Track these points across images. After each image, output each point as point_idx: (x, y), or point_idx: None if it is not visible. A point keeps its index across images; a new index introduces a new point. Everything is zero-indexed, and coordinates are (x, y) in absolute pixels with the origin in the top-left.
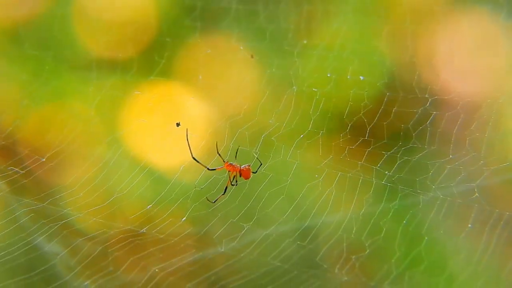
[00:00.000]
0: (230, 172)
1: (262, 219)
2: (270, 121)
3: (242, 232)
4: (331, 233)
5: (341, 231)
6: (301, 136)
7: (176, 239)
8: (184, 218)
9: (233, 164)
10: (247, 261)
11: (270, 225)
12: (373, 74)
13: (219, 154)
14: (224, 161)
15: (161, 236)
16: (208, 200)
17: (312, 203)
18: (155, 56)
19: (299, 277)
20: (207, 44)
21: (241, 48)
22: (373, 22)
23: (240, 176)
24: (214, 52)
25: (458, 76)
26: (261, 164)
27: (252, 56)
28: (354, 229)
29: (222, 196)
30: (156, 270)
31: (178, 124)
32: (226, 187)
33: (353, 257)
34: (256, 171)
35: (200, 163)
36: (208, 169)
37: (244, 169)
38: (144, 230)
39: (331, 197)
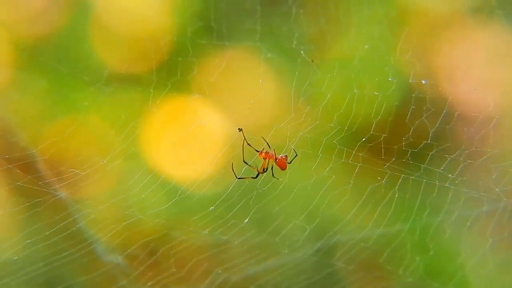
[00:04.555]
0: (265, 160)
1: (324, 220)
2: (331, 125)
3: (305, 233)
4: (395, 234)
5: (405, 233)
6: (364, 139)
7: (239, 240)
8: (247, 220)
9: (269, 152)
10: (311, 263)
11: (333, 227)
12: (435, 78)
13: (248, 144)
14: (258, 151)
15: (224, 238)
16: (235, 177)
17: (375, 205)
18: (173, 69)
19: (363, 278)
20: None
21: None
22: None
23: (276, 165)
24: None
25: None
26: (297, 155)
27: (312, 61)
28: (418, 230)
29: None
30: (219, 271)
31: (240, 130)
32: (258, 173)
33: (417, 258)
34: (291, 161)
35: (249, 165)
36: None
37: (281, 158)
38: (206, 231)
39: (394, 199)
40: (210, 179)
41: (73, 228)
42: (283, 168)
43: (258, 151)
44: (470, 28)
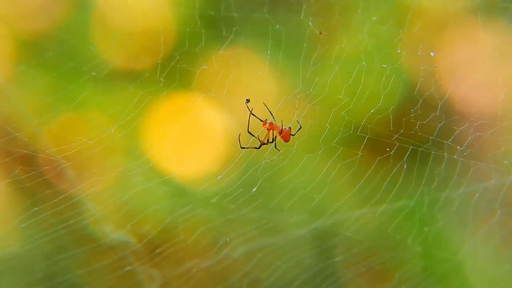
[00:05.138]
0: (269, 131)
1: (332, 190)
2: (340, 96)
3: (314, 203)
4: (403, 205)
5: (413, 204)
6: (372, 110)
7: (248, 208)
8: (255, 189)
9: (273, 123)
10: (318, 232)
11: (341, 197)
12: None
13: (253, 114)
14: (262, 120)
15: (232, 206)
16: (240, 147)
17: (383, 176)
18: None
19: (371, 248)
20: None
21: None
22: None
23: (279, 136)
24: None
25: None
26: (301, 127)
27: (320, 32)
28: (426, 202)
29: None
30: (228, 239)
31: (247, 100)
32: (261, 144)
33: (426, 229)
34: (295, 134)
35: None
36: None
37: (284, 130)
38: (214, 200)
39: (402, 170)
40: (219, 149)
41: (79, 197)
42: (286, 140)
43: (262, 121)
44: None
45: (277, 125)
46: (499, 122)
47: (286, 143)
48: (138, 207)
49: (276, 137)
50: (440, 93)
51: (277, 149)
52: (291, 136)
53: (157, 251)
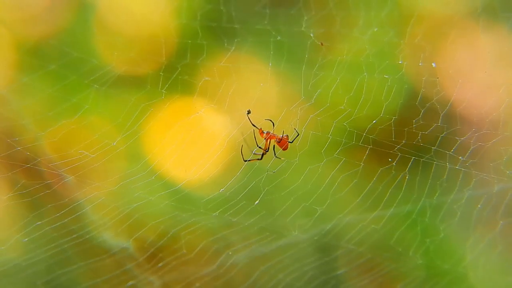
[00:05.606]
0: (266, 141)
1: (334, 202)
2: (342, 107)
3: (316, 215)
4: (405, 216)
5: (415, 215)
6: (374, 121)
7: (250, 221)
8: (257, 202)
9: (270, 132)
10: (320, 245)
11: (344, 209)
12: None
13: (254, 125)
14: (258, 129)
15: (234, 220)
16: (243, 160)
17: (385, 187)
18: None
19: (373, 260)
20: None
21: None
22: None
23: (277, 145)
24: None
25: None
26: (298, 134)
27: (321, 43)
28: (428, 213)
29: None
30: (230, 253)
31: (249, 112)
32: (263, 154)
33: (428, 240)
34: (292, 141)
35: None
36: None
37: (282, 138)
38: (216, 214)
39: (404, 181)
40: (221, 161)
41: (82, 211)
42: (284, 148)
43: (258, 129)
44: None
45: (274, 134)
46: (501, 132)
47: (285, 151)
48: (141, 220)
49: (274, 146)
50: (441, 103)
51: (277, 157)
52: (289, 143)
53: (160, 264)
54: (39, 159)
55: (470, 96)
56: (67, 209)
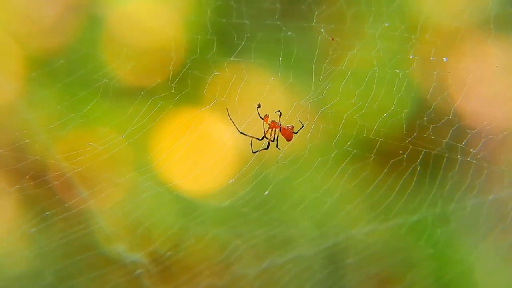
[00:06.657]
0: (271, 130)
1: (344, 194)
2: (352, 101)
3: (325, 206)
4: (416, 207)
5: (426, 206)
6: (385, 114)
7: (259, 212)
8: (267, 192)
9: (276, 122)
10: (331, 234)
11: (354, 199)
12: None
13: (262, 119)
14: (262, 118)
15: (244, 210)
16: (252, 151)
17: (396, 179)
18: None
19: (383, 250)
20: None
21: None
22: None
23: (282, 135)
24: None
25: None
26: (303, 125)
27: (332, 38)
28: (439, 204)
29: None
30: (239, 242)
31: (259, 106)
32: (269, 143)
33: (439, 230)
34: (297, 132)
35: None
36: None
37: (286, 128)
38: (226, 203)
39: (415, 173)
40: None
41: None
42: (288, 138)
43: (262, 118)
44: None
45: (279, 123)
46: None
47: (289, 141)
48: (150, 224)
49: (278, 136)
50: (453, 96)
51: (278, 148)
52: (294, 134)
53: (168, 253)
54: (46, 152)
55: (481, 90)
56: (72, 211)
